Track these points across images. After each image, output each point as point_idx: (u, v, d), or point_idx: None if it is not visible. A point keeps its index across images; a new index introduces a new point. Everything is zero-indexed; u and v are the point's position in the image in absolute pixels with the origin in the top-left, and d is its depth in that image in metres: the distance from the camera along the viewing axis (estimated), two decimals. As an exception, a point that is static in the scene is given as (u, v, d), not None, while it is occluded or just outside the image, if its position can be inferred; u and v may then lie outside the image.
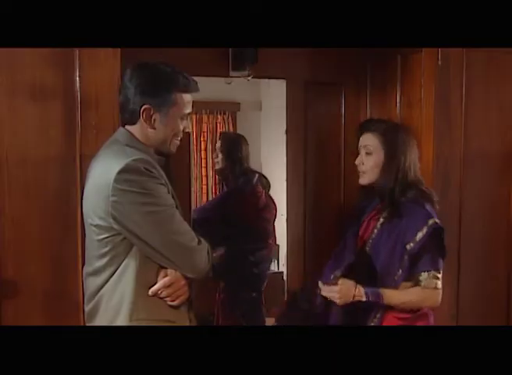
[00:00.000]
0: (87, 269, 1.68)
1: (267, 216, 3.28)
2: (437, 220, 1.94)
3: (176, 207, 1.63)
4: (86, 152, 1.93)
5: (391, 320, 1.99)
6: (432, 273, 1.95)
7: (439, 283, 1.96)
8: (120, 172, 1.52)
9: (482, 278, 2.59)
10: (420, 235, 1.93)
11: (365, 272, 2.01)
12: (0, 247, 1.90)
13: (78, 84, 1.95)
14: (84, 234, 1.80)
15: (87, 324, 1.69)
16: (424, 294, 1.96)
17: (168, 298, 1.62)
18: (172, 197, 1.63)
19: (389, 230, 1.99)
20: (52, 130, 1.94)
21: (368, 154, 2.02)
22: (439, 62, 2.40)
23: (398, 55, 2.62)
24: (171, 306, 1.64)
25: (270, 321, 3.39)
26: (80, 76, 1.94)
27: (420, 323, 2.00)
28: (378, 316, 1.99)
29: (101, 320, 1.63)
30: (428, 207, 1.97)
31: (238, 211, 3.14)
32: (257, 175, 3.27)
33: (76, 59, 1.93)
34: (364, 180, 2.06)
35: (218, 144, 3.35)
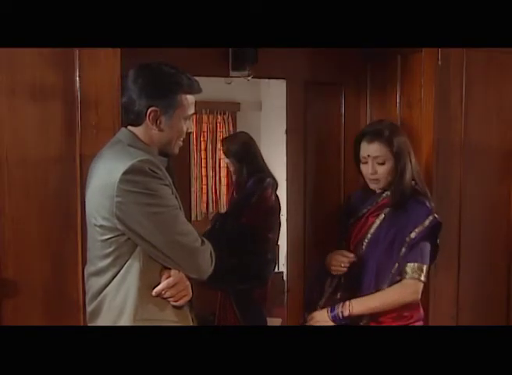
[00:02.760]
0: (90, 269, 1.68)
1: (270, 219, 3.27)
2: (436, 216, 2.02)
3: (180, 208, 1.64)
4: (86, 152, 1.93)
5: (383, 319, 2.03)
6: (419, 264, 2.00)
7: (423, 276, 2.00)
8: (125, 173, 1.52)
9: (482, 278, 2.59)
10: (420, 228, 2.00)
11: (359, 272, 2.06)
12: (0, 247, 1.90)
13: (78, 84, 1.95)
14: (84, 234, 1.81)
15: (89, 324, 1.69)
16: (404, 286, 2.00)
17: (171, 299, 1.62)
18: (176, 198, 1.63)
19: (388, 226, 2.05)
20: (52, 130, 1.93)
21: (380, 164, 2.06)
22: (439, 62, 2.39)
23: (398, 55, 2.62)
24: (174, 306, 1.64)
25: (271, 321, 3.39)
26: (79, 76, 1.94)
27: (413, 313, 2.04)
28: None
29: (104, 320, 1.63)
30: (427, 204, 2.04)
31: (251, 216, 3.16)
32: (268, 179, 3.25)
33: (76, 59, 1.93)
34: (377, 186, 2.11)
35: (224, 149, 3.30)
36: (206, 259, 1.64)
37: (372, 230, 2.08)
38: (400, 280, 2.01)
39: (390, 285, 2.01)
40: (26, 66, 1.89)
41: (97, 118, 1.96)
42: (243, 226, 3.11)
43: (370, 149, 2.07)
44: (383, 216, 2.07)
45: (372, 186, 2.12)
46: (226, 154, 3.26)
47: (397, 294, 2.01)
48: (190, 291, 1.66)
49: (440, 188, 2.44)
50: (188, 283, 1.65)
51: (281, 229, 3.20)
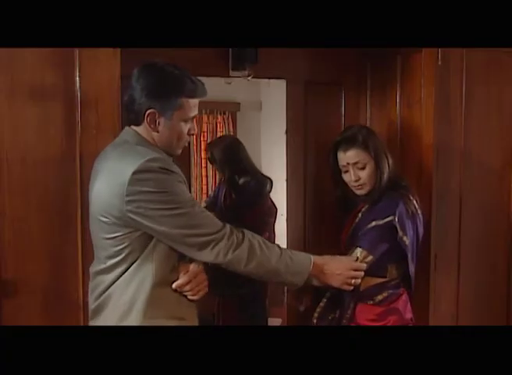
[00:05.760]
0: (97, 267, 1.67)
1: (269, 220, 3.31)
2: (396, 219, 2.00)
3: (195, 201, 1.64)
4: (86, 152, 1.93)
5: (360, 321, 2.07)
6: (366, 253, 2.00)
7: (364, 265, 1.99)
8: (135, 172, 1.52)
9: (482, 278, 2.59)
10: (378, 222, 2.02)
11: None
12: (0, 247, 1.90)
13: (78, 84, 1.95)
14: (84, 234, 1.81)
15: (91, 320, 1.70)
16: None
17: (189, 293, 1.64)
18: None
19: (365, 219, 2.09)
20: (52, 130, 1.94)
21: (361, 169, 2.09)
22: (439, 62, 2.39)
23: (398, 55, 2.62)
24: (183, 304, 1.65)
25: (269, 321, 3.39)
26: (79, 76, 1.94)
27: (391, 318, 2.05)
28: (347, 316, 2.07)
29: (110, 316, 1.63)
30: (400, 206, 2.02)
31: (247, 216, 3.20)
32: (269, 181, 3.30)
33: (76, 59, 1.93)
34: (364, 190, 2.13)
35: (208, 155, 3.38)
36: (223, 247, 1.63)
37: (353, 225, 2.13)
38: None
39: None
40: (26, 66, 1.89)
41: (97, 118, 1.96)
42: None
43: (348, 157, 2.09)
44: (364, 208, 2.13)
45: (359, 192, 2.13)
46: (210, 160, 3.35)
47: None
48: (207, 285, 1.68)
49: (440, 188, 2.44)
50: (205, 277, 1.67)
51: (280, 229, 3.21)
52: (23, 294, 1.94)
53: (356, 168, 2.09)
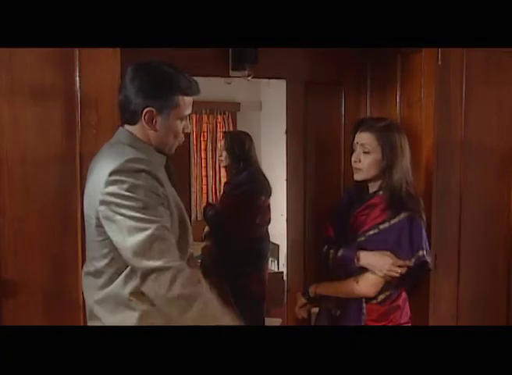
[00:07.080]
0: (88, 268, 1.67)
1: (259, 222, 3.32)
2: (425, 252, 2.05)
3: (170, 215, 1.57)
4: (86, 152, 1.93)
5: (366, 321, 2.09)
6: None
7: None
8: (112, 172, 1.50)
9: (482, 278, 2.59)
10: (407, 263, 2.04)
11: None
12: (0, 247, 1.90)
13: (78, 84, 1.95)
14: (84, 234, 1.81)
15: (89, 321, 1.69)
16: (365, 279, 2.06)
17: None
18: (168, 207, 1.57)
19: (384, 239, 2.07)
20: (52, 130, 1.94)
21: (365, 152, 2.09)
22: (439, 62, 2.40)
23: (398, 55, 2.62)
24: None
25: (269, 321, 3.39)
26: (79, 76, 1.95)
27: (393, 316, 2.08)
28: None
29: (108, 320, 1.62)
30: (424, 236, 2.06)
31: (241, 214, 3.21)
32: (261, 179, 3.31)
33: (76, 59, 1.94)
34: (359, 176, 2.14)
35: (222, 142, 3.41)
36: (163, 283, 1.50)
37: (371, 232, 2.09)
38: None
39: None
40: (26, 66, 1.89)
41: (97, 118, 1.96)
42: (225, 215, 3.21)
43: (359, 137, 2.12)
44: (382, 225, 2.08)
45: (355, 176, 2.15)
46: (225, 146, 3.35)
47: (356, 284, 2.06)
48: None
49: (440, 188, 2.44)
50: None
51: (280, 229, 3.21)
52: (23, 294, 1.94)
53: (361, 150, 2.10)
